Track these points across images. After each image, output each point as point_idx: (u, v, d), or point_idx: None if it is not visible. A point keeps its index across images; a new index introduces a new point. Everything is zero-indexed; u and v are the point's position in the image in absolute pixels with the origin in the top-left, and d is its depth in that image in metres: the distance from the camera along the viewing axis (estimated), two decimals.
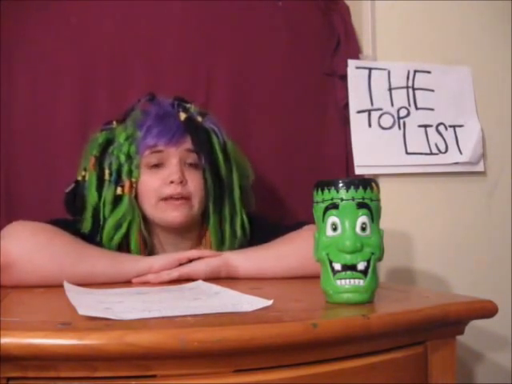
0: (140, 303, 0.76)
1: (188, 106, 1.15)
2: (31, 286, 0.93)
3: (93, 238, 1.06)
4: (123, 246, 1.08)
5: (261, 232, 1.14)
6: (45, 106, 1.35)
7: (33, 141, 1.34)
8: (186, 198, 1.07)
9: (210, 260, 1.03)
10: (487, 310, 0.79)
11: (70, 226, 1.04)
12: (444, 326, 0.77)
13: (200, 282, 0.95)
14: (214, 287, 0.88)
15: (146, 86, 1.23)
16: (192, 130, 1.10)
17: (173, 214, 1.07)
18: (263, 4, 1.48)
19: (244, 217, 1.14)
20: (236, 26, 1.46)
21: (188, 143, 1.10)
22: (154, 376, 0.61)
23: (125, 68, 1.39)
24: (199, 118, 1.14)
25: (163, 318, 0.66)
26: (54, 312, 0.75)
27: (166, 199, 1.07)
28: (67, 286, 0.87)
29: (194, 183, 1.09)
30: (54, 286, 0.90)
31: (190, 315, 0.67)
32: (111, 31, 1.38)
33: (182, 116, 1.11)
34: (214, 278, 1.00)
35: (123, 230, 1.07)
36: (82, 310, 0.66)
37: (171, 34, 1.42)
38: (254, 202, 1.21)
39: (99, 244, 1.06)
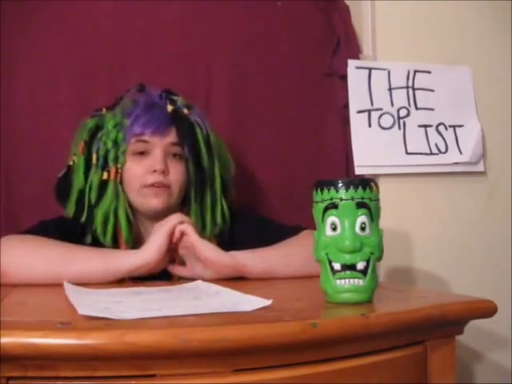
0: (139, 303, 0.76)
1: (175, 98, 1.19)
2: None
3: (76, 223, 1.11)
4: (115, 233, 1.12)
5: (244, 223, 1.19)
6: (45, 106, 1.35)
7: (33, 141, 1.34)
8: (166, 187, 1.12)
9: (222, 265, 1.01)
10: (486, 310, 0.79)
11: (59, 225, 1.09)
12: (443, 325, 0.77)
13: (199, 282, 0.95)
14: (214, 287, 0.88)
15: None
16: (177, 121, 1.15)
17: (153, 201, 1.11)
18: (263, 4, 1.49)
19: (224, 206, 1.18)
20: (236, 25, 1.46)
21: (173, 135, 1.14)
22: (153, 375, 0.61)
23: (124, 68, 1.39)
24: (185, 111, 1.18)
25: (163, 317, 0.66)
26: (53, 312, 0.75)
27: (147, 186, 1.11)
28: (67, 285, 0.87)
29: (176, 173, 1.13)
30: (54, 286, 0.90)
31: (190, 315, 0.67)
32: (111, 31, 1.39)
33: (169, 108, 1.16)
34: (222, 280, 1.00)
35: (112, 220, 1.11)
36: (82, 310, 0.66)
37: (171, 35, 1.42)
38: (234, 194, 1.25)
39: (84, 228, 1.10)
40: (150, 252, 1.00)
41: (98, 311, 0.66)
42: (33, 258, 0.97)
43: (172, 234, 1.02)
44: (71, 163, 1.16)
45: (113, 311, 0.67)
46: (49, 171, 1.32)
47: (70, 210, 1.12)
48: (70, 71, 1.37)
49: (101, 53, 1.38)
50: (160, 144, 1.12)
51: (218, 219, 1.16)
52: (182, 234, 1.03)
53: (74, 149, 1.16)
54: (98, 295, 0.82)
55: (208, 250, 1.01)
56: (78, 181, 1.13)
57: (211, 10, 1.44)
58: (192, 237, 1.02)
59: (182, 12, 1.43)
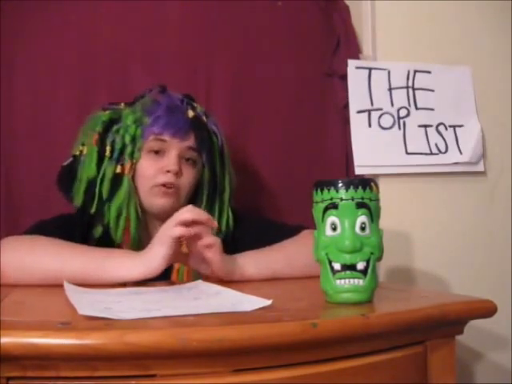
0: (139, 303, 0.76)
1: (195, 105, 1.21)
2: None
3: (81, 217, 1.10)
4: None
5: (245, 225, 1.19)
6: (45, 105, 1.35)
7: (33, 141, 1.34)
8: (176, 188, 1.12)
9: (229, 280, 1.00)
10: (486, 310, 0.79)
11: (58, 224, 1.08)
12: (443, 325, 0.77)
13: (199, 282, 0.95)
14: (214, 287, 0.88)
15: (146, 87, 1.23)
16: (197, 128, 1.15)
17: (161, 201, 1.11)
18: (263, 4, 1.48)
19: (230, 215, 1.18)
20: (236, 26, 1.46)
21: (190, 140, 1.14)
22: (153, 375, 0.61)
23: (124, 68, 1.39)
24: (204, 118, 1.19)
25: (163, 317, 0.66)
26: (53, 312, 0.75)
27: (158, 185, 1.11)
28: (67, 285, 0.87)
29: (187, 177, 1.14)
30: (54, 286, 0.90)
31: (190, 315, 0.67)
32: (111, 31, 1.39)
33: (190, 113, 1.16)
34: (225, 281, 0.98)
35: (124, 214, 1.11)
36: (82, 310, 0.66)
37: (171, 34, 1.42)
38: (234, 201, 1.23)
39: (92, 220, 1.10)
40: (148, 266, 0.94)
41: (98, 311, 0.66)
42: (30, 257, 0.96)
43: (181, 234, 0.95)
44: (77, 153, 1.14)
45: (113, 311, 0.67)
46: (49, 171, 1.32)
47: (77, 201, 1.11)
48: (70, 71, 1.37)
49: (101, 53, 1.38)
50: (177, 146, 1.12)
51: (223, 227, 1.16)
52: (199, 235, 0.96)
53: (84, 139, 1.14)
54: (98, 295, 0.82)
55: (222, 273, 0.98)
56: (89, 171, 1.11)
57: (211, 10, 1.44)
58: (216, 254, 0.97)
59: (183, 12, 1.43)
